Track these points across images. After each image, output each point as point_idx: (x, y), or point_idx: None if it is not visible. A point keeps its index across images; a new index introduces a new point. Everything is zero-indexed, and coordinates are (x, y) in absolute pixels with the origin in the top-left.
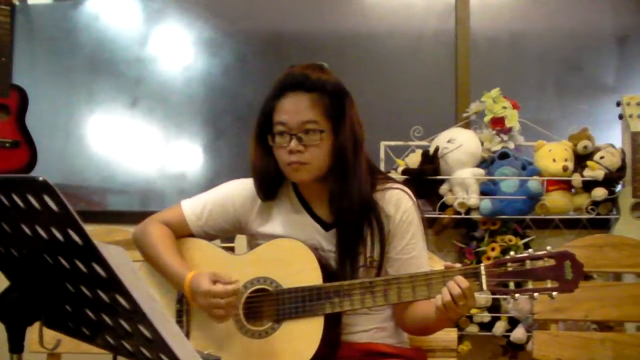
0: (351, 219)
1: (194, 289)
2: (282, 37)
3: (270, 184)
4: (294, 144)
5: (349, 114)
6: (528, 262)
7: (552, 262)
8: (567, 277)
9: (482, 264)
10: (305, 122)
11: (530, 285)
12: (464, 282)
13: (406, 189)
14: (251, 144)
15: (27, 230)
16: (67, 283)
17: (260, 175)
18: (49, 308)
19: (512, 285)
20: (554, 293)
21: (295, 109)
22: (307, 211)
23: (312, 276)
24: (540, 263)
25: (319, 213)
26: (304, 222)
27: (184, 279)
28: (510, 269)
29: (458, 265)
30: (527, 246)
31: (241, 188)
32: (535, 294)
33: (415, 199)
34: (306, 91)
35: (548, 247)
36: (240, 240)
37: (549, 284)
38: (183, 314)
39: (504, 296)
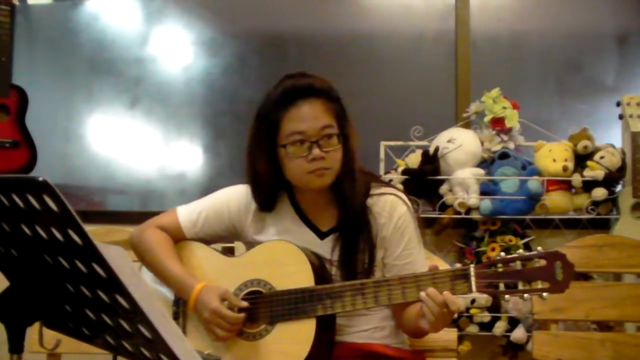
0: (353, 224)
1: (201, 302)
2: (282, 37)
3: (273, 195)
4: (317, 151)
5: (349, 117)
6: (518, 262)
7: (542, 262)
8: (557, 277)
9: (472, 265)
10: (324, 128)
11: (521, 285)
12: (437, 297)
13: (400, 193)
14: (250, 155)
15: (27, 230)
16: (67, 283)
17: (264, 187)
18: (49, 308)
19: (502, 286)
20: (545, 294)
21: (313, 116)
22: (302, 220)
23: (304, 278)
24: (530, 264)
25: (315, 222)
26: (299, 230)
27: (192, 289)
28: (500, 269)
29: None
30: (527, 246)
31: (236, 195)
32: (526, 295)
33: (409, 203)
34: (317, 97)
35: (539, 248)
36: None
37: (539, 285)
38: (179, 315)
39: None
